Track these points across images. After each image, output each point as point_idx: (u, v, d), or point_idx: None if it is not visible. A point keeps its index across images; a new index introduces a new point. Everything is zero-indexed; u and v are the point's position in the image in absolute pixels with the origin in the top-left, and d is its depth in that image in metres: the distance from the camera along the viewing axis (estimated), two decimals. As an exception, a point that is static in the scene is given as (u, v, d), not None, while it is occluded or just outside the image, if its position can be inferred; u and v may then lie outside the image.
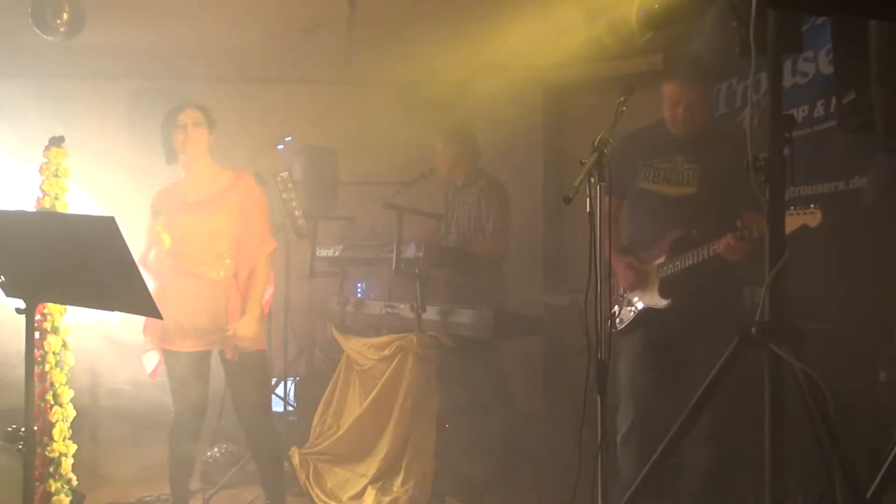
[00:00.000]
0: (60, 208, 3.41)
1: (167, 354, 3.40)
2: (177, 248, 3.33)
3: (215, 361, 3.51)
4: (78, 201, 3.55)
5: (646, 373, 3.34)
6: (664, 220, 3.33)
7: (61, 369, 3.38)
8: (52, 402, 3.33)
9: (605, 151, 2.55)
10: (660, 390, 3.31)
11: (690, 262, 3.17)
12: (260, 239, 3.47)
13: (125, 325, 3.66)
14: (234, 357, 3.36)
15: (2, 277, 2.56)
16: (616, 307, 3.39)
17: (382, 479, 3.92)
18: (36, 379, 3.13)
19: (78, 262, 2.47)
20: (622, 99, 2.73)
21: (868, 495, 2.50)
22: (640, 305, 3.36)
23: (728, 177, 3.06)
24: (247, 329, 3.33)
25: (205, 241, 3.35)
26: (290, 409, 5.18)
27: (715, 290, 3.20)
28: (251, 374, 3.45)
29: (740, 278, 3.30)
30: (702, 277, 3.18)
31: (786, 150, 2.67)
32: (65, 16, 4.55)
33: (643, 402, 3.33)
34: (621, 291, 3.41)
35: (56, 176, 3.42)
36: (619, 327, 3.38)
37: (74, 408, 3.42)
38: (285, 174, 4.21)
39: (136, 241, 2.58)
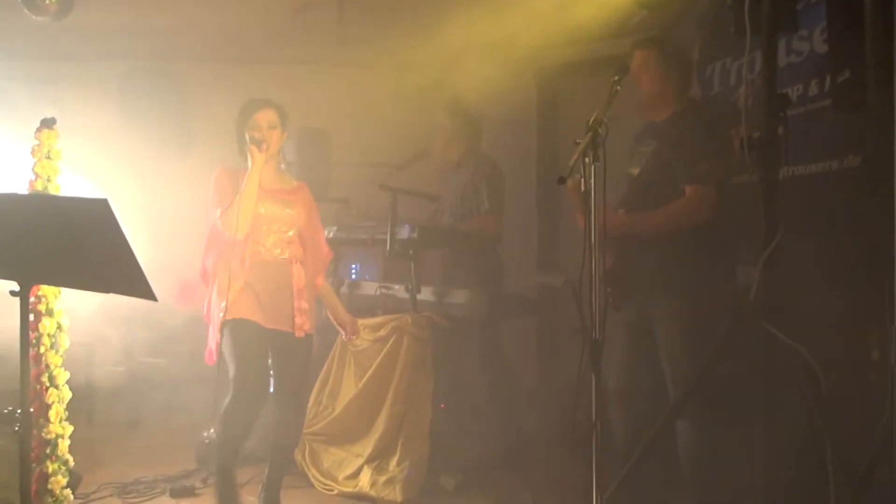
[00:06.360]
0: (53, 190, 3.40)
1: (235, 324, 3.23)
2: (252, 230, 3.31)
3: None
4: (70, 183, 3.53)
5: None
6: (624, 203, 3.36)
7: (56, 351, 3.38)
8: (48, 384, 3.33)
9: (600, 131, 2.54)
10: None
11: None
12: (325, 247, 3.60)
13: (121, 307, 3.64)
14: (301, 334, 3.34)
15: (-5, 260, 2.56)
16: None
17: (378, 458, 3.94)
18: (31, 361, 3.13)
19: (71, 245, 2.47)
20: (616, 78, 2.73)
21: (860, 473, 2.53)
22: None
23: (676, 158, 3.15)
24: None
25: (278, 227, 3.35)
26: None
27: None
28: (306, 354, 3.43)
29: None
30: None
31: (780, 130, 2.68)
32: (54, -4, 4.49)
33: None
34: None
35: (48, 158, 3.41)
36: None
37: (70, 389, 3.42)
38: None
39: (129, 222, 2.56)
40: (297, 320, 3.31)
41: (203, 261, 3.40)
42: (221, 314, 3.22)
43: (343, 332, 3.66)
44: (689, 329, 3.14)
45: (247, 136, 3.32)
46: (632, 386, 3.31)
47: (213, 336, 3.30)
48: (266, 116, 3.34)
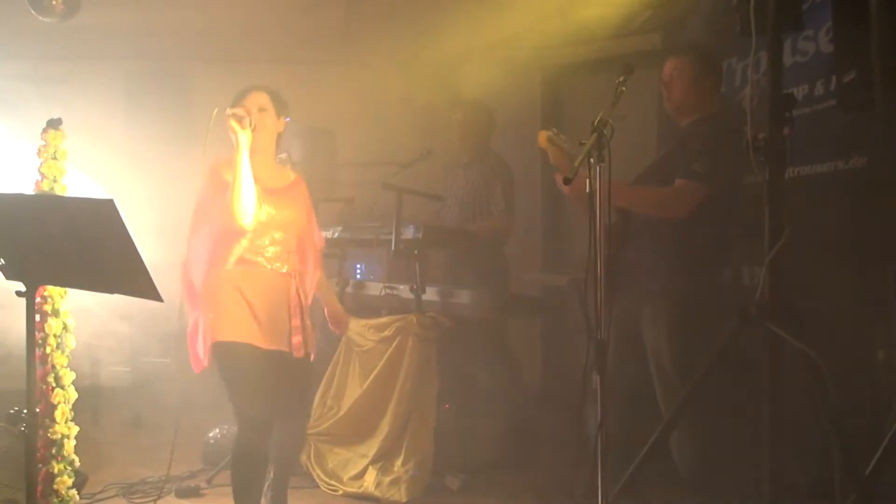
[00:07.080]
0: (59, 191, 3.40)
1: (231, 349, 2.95)
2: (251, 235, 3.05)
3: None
4: (77, 184, 3.54)
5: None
6: None
7: (62, 352, 3.39)
8: (54, 385, 3.34)
9: (605, 132, 2.54)
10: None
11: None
12: (321, 239, 3.39)
13: (127, 307, 3.64)
14: (299, 355, 3.09)
15: (1, 260, 2.57)
16: None
17: (383, 459, 3.94)
18: (37, 361, 3.14)
19: (78, 245, 2.48)
20: (622, 79, 2.72)
21: (866, 473, 2.53)
22: None
23: (681, 156, 3.16)
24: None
25: (280, 235, 3.09)
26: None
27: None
28: (305, 375, 3.23)
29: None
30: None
31: (786, 130, 2.67)
32: (61, -4, 4.51)
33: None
34: None
35: (54, 158, 3.41)
36: None
37: (76, 390, 3.43)
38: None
39: (135, 222, 2.55)
40: (295, 340, 3.06)
41: (184, 271, 3.04)
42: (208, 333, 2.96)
43: (335, 328, 3.46)
44: (678, 331, 3.14)
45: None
46: (617, 380, 3.30)
47: (201, 342, 3.00)
48: (255, 99, 3.08)
